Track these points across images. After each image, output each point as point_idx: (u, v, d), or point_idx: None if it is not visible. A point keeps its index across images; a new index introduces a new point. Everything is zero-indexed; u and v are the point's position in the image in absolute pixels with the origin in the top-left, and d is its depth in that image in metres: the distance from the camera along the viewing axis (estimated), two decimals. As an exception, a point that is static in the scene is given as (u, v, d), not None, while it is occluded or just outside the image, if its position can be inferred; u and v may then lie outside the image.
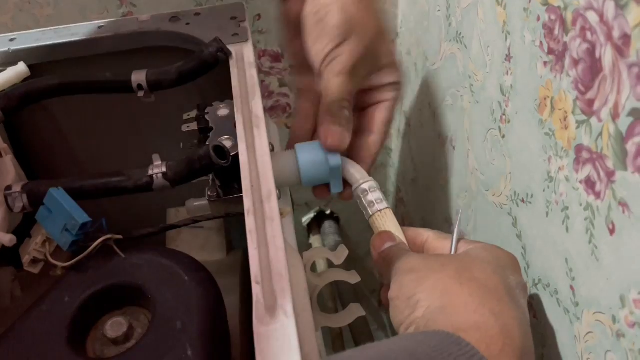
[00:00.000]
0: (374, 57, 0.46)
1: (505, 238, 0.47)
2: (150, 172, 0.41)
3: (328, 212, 1.05)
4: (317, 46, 0.45)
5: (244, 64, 0.50)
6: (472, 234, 0.56)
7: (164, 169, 0.41)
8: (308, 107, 0.49)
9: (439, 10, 0.58)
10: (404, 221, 0.91)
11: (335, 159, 0.44)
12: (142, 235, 0.41)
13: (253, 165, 0.40)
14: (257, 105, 0.45)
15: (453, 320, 0.30)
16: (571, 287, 0.37)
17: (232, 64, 0.50)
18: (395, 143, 0.91)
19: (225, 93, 0.50)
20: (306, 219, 1.05)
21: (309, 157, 0.45)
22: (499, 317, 0.30)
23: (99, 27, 0.54)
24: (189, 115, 0.48)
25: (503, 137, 0.45)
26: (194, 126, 0.46)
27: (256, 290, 0.32)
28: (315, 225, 1.05)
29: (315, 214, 1.05)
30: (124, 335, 0.36)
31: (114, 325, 0.36)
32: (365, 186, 0.44)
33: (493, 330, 0.29)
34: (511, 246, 0.46)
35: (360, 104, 0.49)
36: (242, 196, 0.44)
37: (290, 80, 0.80)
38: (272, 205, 0.37)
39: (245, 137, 0.42)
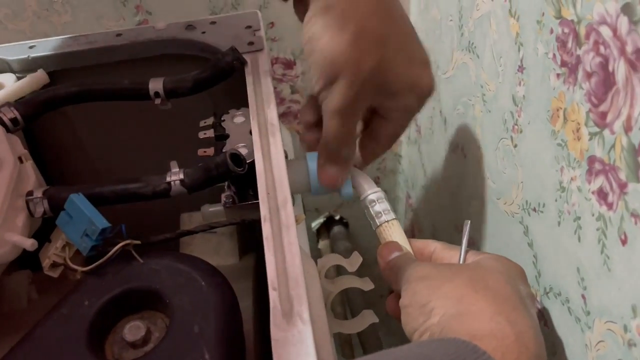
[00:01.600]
0: (379, 87, 0.39)
1: (516, 246, 0.48)
2: (168, 179, 0.41)
3: (337, 217, 1.05)
4: (311, 77, 0.41)
5: (259, 72, 0.51)
6: (482, 242, 0.57)
7: (181, 176, 0.42)
8: (309, 118, 0.45)
9: (451, 20, 0.58)
10: (413, 228, 0.92)
11: None
12: (160, 240, 0.41)
13: (269, 173, 0.40)
14: (273, 114, 0.46)
15: (469, 328, 0.30)
16: (582, 296, 0.37)
17: (248, 72, 0.51)
18: (405, 150, 0.92)
19: (240, 101, 0.50)
20: (316, 224, 1.05)
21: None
22: (514, 325, 0.30)
23: (117, 35, 0.55)
24: (205, 122, 0.49)
25: (515, 146, 0.45)
26: (210, 133, 0.47)
27: (273, 296, 0.32)
28: (325, 230, 1.06)
29: (325, 219, 1.05)
30: (142, 339, 0.37)
31: (132, 329, 0.37)
32: (373, 197, 0.45)
33: (509, 339, 0.29)
34: (522, 255, 0.46)
35: (370, 109, 0.45)
36: (257, 202, 0.45)
37: (302, 87, 0.81)
38: (288, 213, 0.38)
39: (261, 145, 0.43)
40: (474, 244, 0.59)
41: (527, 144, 0.43)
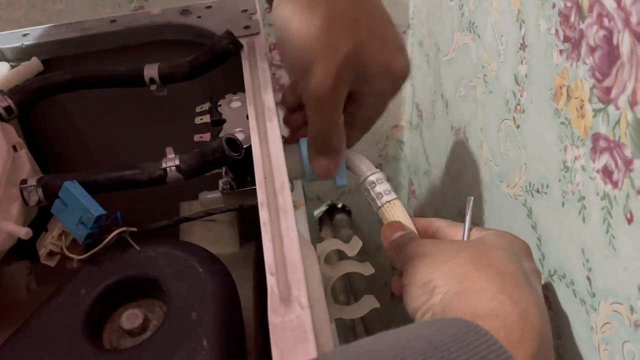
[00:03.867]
0: (357, 69, 0.37)
1: (520, 229, 0.47)
2: (163, 165, 0.41)
3: (340, 205, 1.05)
4: (285, 67, 0.40)
5: (256, 56, 0.50)
6: (485, 225, 0.56)
7: (177, 162, 0.41)
8: (292, 100, 0.45)
9: (451, 0, 0.57)
10: (416, 214, 0.91)
11: None
12: (157, 227, 0.41)
13: (266, 158, 0.40)
14: (269, 98, 0.45)
15: (471, 307, 0.29)
16: (588, 278, 0.36)
17: (244, 56, 0.50)
18: (407, 136, 0.91)
19: (237, 85, 0.50)
20: (318, 212, 1.05)
21: None
22: (518, 303, 0.30)
23: (111, 22, 0.55)
24: (201, 107, 0.48)
25: (518, 127, 0.45)
26: (206, 119, 0.46)
27: (271, 281, 0.32)
28: (327, 218, 1.05)
29: (327, 207, 1.04)
30: (139, 326, 0.36)
31: (130, 317, 0.36)
32: (372, 178, 0.44)
33: (512, 318, 0.29)
34: (526, 237, 0.45)
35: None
36: (255, 188, 0.44)
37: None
38: (286, 198, 0.37)
39: (258, 129, 0.42)
40: (479, 226, 0.58)
41: (529, 124, 0.42)
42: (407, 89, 0.84)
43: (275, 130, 0.42)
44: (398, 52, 0.39)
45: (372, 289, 0.92)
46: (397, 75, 0.39)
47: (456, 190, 0.65)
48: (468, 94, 0.56)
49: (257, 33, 0.52)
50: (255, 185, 0.44)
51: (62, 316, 0.37)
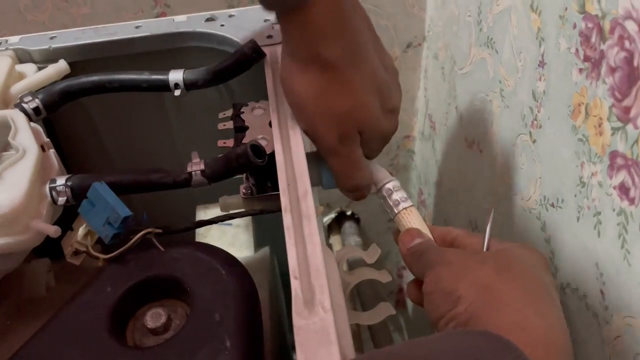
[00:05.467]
0: (357, 123, 0.40)
1: (533, 242, 0.48)
2: (189, 169, 0.42)
3: (349, 212, 1.06)
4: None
5: (279, 65, 0.51)
6: (498, 237, 0.57)
7: (202, 167, 0.42)
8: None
9: (469, 15, 0.58)
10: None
11: None
12: (180, 230, 0.42)
13: (289, 165, 0.41)
14: (292, 106, 0.46)
15: (497, 319, 0.30)
16: (601, 291, 0.37)
17: (267, 65, 0.51)
18: (418, 146, 0.92)
19: (259, 93, 0.51)
20: (327, 219, 1.06)
21: None
22: (543, 317, 0.30)
23: (137, 27, 0.56)
24: (224, 114, 0.49)
25: (534, 142, 0.46)
26: (229, 125, 0.47)
27: (295, 285, 0.33)
28: (336, 225, 1.06)
29: (336, 214, 1.05)
30: (162, 325, 0.37)
31: (154, 316, 0.37)
32: (389, 185, 0.45)
33: (538, 332, 0.29)
34: (539, 249, 0.46)
35: None
36: (275, 194, 0.45)
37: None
38: (308, 204, 0.38)
39: (281, 137, 0.43)
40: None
41: (546, 140, 0.43)
42: (420, 100, 0.85)
43: (298, 138, 0.43)
44: (392, 117, 0.42)
45: (379, 297, 0.93)
46: (387, 137, 0.43)
47: (468, 201, 0.66)
48: (483, 107, 0.57)
49: (280, 42, 0.53)
50: (275, 191, 0.46)
51: (87, 313, 0.38)
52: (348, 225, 1.05)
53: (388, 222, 1.06)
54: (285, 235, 0.36)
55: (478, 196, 0.62)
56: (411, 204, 0.45)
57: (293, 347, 0.30)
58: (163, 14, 0.69)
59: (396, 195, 0.45)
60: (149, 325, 0.37)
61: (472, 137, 0.62)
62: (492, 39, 0.52)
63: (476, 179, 0.62)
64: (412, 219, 0.43)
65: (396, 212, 0.44)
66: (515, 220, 0.51)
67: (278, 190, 0.39)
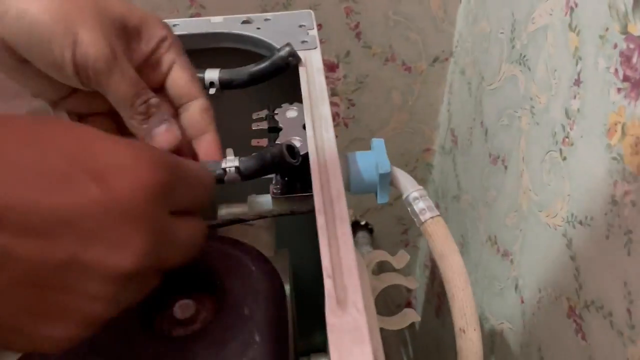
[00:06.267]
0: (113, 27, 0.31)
1: (557, 258, 0.48)
2: (223, 165, 0.42)
3: (363, 222, 1.06)
4: None
5: (313, 70, 0.52)
6: (520, 253, 0.57)
7: (236, 163, 0.42)
8: None
9: (502, 33, 0.59)
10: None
11: (385, 166, 0.46)
12: (212, 225, 0.42)
13: (323, 167, 0.41)
14: (326, 110, 0.46)
15: None
16: (628, 310, 0.38)
17: (302, 69, 0.52)
18: (437, 159, 0.92)
19: (291, 95, 0.51)
20: (341, 227, 1.06)
21: (359, 163, 0.46)
22: None
23: (174, 26, 0.57)
24: (258, 114, 0.50)
25: (564, 159, 0.46)
26: (263, 125, 0.48)
27: (328, 284, 0.33)
28: (349, 234, 1.06)
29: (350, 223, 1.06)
30: (191, 317, 0.38)
31: (183, 307, 0.38)
32: (416, 194, 0.45)
33: None
34: (563, 267, 0.47)
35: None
36: (305, 195, 0.46)
37: (342, 90, 0.82)
38: (342, 206, 0.38)
39: (315, 139, 0.44)
40: (511, 255, 0.59)
41: (577, 157, 0.44)
42: (443, 114, 0.85)
43: (331, 141, 0.43)
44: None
45: (389, 310, 0.93)
46: None
47: (489, 216, 0.66)
48: (511, 123, 0.57)
49: (315, 48, 0.54)
50: (304, 192, 0.46)
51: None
52: (361, 235, 1.05)
53: (402, 234, 1.07)
54: (319, 235, 0.36)
55: (499, 212, 0.62)
56: (437, 213, 0.45)
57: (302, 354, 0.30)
58: (197, 15, 0.70)
59: (423, 204, 0.45)
60: (178, 316, 0.38)
61: (497, 152, 0.62)
62: (524, 56, 0.53)
63: (498, 195, 0.63)
64: (439, 229, 0.44)
65: (422, 220, 0.45)
66: (539, 236, 0.52)
67: (307, 191, 0.39)
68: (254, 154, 0.44)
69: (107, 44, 0.31)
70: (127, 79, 0.33)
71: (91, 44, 0.30)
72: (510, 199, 0.59)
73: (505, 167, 0.60)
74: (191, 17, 0.71)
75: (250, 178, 0.43)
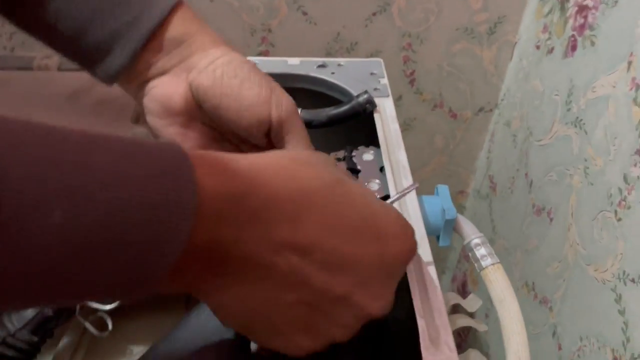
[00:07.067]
0: None
1: (603, 311, 0.51)
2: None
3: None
4: None
5: (387, 117, 0.56)
6: (560, 302, 0.60)
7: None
8: None
9: (556, 95, 0.63)
10: (466, 279, 0.95)
11: (452, 212, 0.50)
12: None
13: (405, 212, 0.45)
14: (403, 157, 0.50)
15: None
16: (680, 367, 0.41)
17: (376, 115, 0.56)
18: (471, 202, 0.96)
19: (364, 139, 0.56)
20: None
21: (426, 207, 0.50)
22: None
23: (254, 64, 0.61)
24: (336, 154, 0.54)
25: (619, 220, 0.50)
26: (342, 165, 0.52)
27: (421, 323, 0.37)
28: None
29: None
30: None
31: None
32: (477, 240, 0.49)
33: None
34: (610, 319, 0.50)
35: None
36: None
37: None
38: (425, 250, 0.42)
39: (395, 183, 0.48)
40: (550, 302, 0.62)
41: (634, 221, 0.48)
42: (482, 160, 0.90)
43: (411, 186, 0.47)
44: None
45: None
46: None
47: (528, 263, 0.70)
48: (561, 179, 0.62)
49: (387, 96, 0.59)
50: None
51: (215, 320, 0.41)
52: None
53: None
54: (408, 277, 0.40)
55: (539, 260, 0.66)
56: (497, 260, 0.49)
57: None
58: (266, 52, 0.75)
59: (483, 251, 0.49)
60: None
61: (542, 204, 0.66)
62: (581, 119, 0.57)
63: (540, 244, 0.66)
64: (498, 276, 0.47)
65: (483, 266, 0.48)
66: (585, 288, 0.55)
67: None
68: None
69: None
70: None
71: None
72: (553, 249, 0.63)
73: (551, 219, 0.64)
74: (260, 53, 0.76)
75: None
